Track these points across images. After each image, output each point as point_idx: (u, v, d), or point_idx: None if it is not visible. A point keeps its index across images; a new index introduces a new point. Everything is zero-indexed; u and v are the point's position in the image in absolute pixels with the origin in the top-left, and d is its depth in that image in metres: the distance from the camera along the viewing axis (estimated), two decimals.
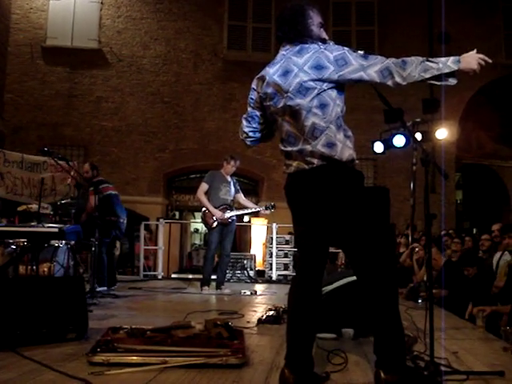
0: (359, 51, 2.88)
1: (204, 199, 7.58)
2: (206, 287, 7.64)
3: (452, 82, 2.81)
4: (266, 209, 7.82)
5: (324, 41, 2.92)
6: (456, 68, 2.75)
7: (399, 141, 9.71)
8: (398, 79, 2.74)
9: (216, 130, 14.44)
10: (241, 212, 7.93)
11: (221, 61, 14.70)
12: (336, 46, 2.83)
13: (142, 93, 14.42)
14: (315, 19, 2.95)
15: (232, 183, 7.80)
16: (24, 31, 14.21)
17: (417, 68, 2.73)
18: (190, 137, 14.44)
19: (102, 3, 14.47)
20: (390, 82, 2.77)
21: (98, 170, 7.79)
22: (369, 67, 2.75)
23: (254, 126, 3.10)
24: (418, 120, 10.13)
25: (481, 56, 2.80)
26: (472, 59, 2.79)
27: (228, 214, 7.57)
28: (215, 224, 7.54)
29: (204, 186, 7.64)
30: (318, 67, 2.76)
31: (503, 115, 15.12)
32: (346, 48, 2.82)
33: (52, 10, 14.21)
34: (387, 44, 14.26)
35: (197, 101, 14.54)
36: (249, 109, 3.09)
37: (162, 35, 14.63)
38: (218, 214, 7.49)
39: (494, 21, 14.58)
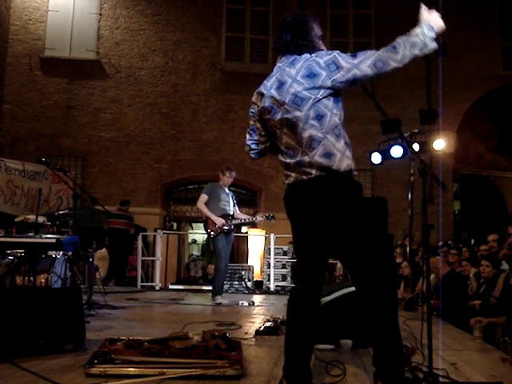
0: None
1: (205, 209, 7.60)
2: (219, 297, 7.61)
3: (434, 45, 2.78)
4: (267, 218, 7.87)
5: None
6: (433, 34, 2.75)
7: (397, 151, 9.75)
8: (394, 64, 2.73)
9: (214, 141, 14.46)
10: (242, 220, 7.93)
11: (219, 72, 14.74)
12: (326, 52, 2.83)
13: (139, 104, 14.45)
14: (317, 31, 2.97)
15: (230, 195, 7.86)
16: (22, 42, 14.25)
17: (406, 47, 2.72)
18: (187, 148, 14.45)
19: (100, 14, 14.53)
20: (387, 70, 2.75)
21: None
22: (360, 63, 2.74)
23: (256, 138, 3.11)
24: (416, 131, 10.16)
25: (436, 12, 2.82)
26: (437, 20, 2.80)
27: (232, 222, 7.65)
28: (218, 231, 7.53)
29: (204, 197, 7.66)
30: (311, 75, 2.76)
31: (501, 126, 15.16)
32: (335, 51, 2.81)
33: (50, 21, 14.26)
34: None
35: (195, 112, 14.56)
36: (250, 122, 3.10)
37: (160, 46, 14.67)
38: (219, 221, 7.50)
39: (490, 32, 14.65)
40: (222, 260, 7.57)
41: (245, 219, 7.96)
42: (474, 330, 4.93)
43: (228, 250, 7.73)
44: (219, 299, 7.57)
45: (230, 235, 7.70)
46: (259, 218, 8.05)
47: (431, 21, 2.79)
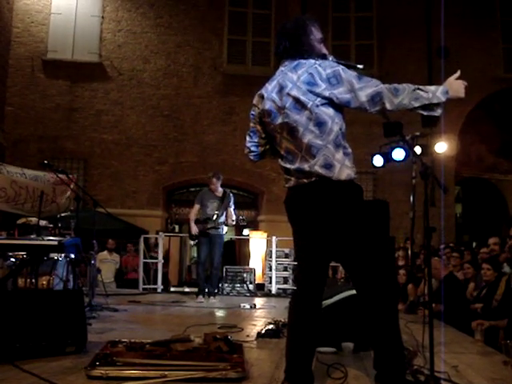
0: (359, 65, 2.89)
1: (191, 218, 8.21)
2: (201, 296, 8.11)
3: (438, 112, 2.79)
4: (237, 222, 8.43)
5: (324, 56, 2.92)
6: (444, 99, 2.75)
7: (398, 154, 9.72)
8: (388, 106, 2.72)
9: (215, 144, 14.46)
10: (218, 224, 8.15)
11: (220, 75, 14.75)
12: (330, 63, 2.82)
13: (142, 106, 14.45)
14: (316, 35, 2.96)
15: (224, 197, 8.11)
16: (25, 45, 14.27)
17: (408, 96, 2.71)
18: (189, 150, 14.46)
19: (102, 17, 14.55)
20: (379, 108, 2.74)
21: None
22: (361, 89, 2.72)
23: (256, 140, 3.11)
24: (418, 134, 10.09)
25: (464, 82, 2.82)
26: (459, 87, 2.82)
27: (208, 226, 8.05)
28: (196, 236, 8.12)
29: (196, 207, 8.25)
30: (310, 83, 2.76)
31: (503, 129, 15.16)
32: (340, 65, 2.80)
33: (53, 23, 14.28)
34: (386, 58, 14.33)
35: (197, 114, 14.57)
36: (250, 124, 3.11)
37: (163, 49, 14.69)
38: (194, 229, 8.06)
39: (492, 34, 14.65)
40: (199, 264, 8.33)
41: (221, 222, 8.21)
42: (475, 333, 4.93)
43: (217, 253, 8.11)
44: (200, 299, 8.10)
45: (217, 239, 8.10)
46: (230, 221, 8.25)
47: (452, 86, 2.81)
